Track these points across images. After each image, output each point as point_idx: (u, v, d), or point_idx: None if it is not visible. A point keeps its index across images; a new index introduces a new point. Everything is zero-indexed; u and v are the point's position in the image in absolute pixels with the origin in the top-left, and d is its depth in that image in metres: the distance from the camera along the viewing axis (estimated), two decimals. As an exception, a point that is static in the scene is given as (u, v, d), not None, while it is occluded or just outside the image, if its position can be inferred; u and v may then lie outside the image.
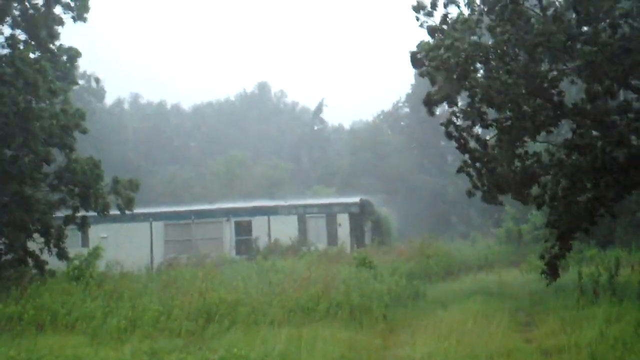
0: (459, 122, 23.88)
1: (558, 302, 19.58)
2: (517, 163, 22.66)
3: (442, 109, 27.08)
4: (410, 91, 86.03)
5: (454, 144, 24.13)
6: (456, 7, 23.24)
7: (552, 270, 22.61)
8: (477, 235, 56.40)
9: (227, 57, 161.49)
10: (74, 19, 28.73)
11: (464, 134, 23.68)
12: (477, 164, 23.70)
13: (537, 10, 21.96)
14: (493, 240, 49.72)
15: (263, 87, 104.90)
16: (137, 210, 31.96)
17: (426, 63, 23.00)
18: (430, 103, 23.33)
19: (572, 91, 22.61)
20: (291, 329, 16.88)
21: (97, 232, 37.52)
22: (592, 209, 21.42)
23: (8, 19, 27.47)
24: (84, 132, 28.95)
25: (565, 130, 28.84)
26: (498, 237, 49.35)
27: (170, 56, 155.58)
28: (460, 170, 24.44)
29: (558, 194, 21.99)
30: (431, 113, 23.85)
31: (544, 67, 22.08)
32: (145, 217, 43.80)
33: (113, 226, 39.64)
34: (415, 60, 23.47)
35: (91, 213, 29.28)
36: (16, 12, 27.63)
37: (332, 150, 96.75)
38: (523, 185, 23.09)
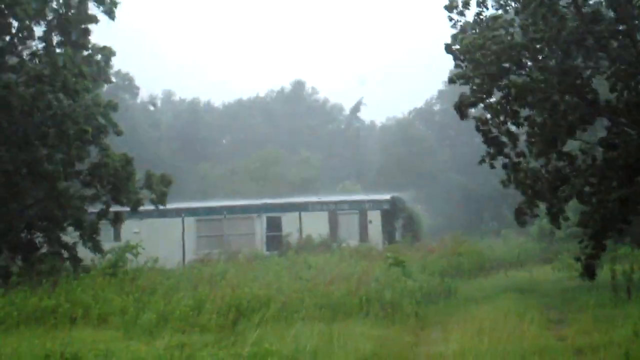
0: (490, 117, 23.80)
1: (591, 300, 19.34)
2: (553, 160, 22.53)
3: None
4: (443, 87, 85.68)
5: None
6: (488, 7, 23.24)
7: (588, 272, 22.37)
8: (509, 232, 55.97)
9: (257, 53, 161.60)
10: (107, 14, 28.95)
11: (494, 129, 23.57)
12: (505, 158, 23.60)
13: (572, 8, 21.78)
14: (525, 238, 49.31)
15: (298, 85, 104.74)
16: (170, 205, 32.17)
17: (461, 57, 22.99)
18: (461, 107, 23.25)
19: (606, 89, 22.38)
20: (323, 325, 16.86)
21: (130, 227, 37.77)
22: (625, 207, 21.18)
23: (43, 22, 27.78)
24: (119, 134, 29.34)
25: (599, 127, 28.61)
26: (530, 234, 48.91)
27: (200, 53, 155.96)
28: (482, 161, 24.27)
29: (587, 191, 21.82)
30: (463, 116, 23.71)
31: (578, 63, 21.91)
32: (178, 212, 43.98)
33: (145, 221, 39.69)
34: (449, 49, 23.51)
35: (124, 208, 29.63)
36: (50, 15, 27.90)
37: (364, 146, 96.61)
38: (555, 186, 22.90)
